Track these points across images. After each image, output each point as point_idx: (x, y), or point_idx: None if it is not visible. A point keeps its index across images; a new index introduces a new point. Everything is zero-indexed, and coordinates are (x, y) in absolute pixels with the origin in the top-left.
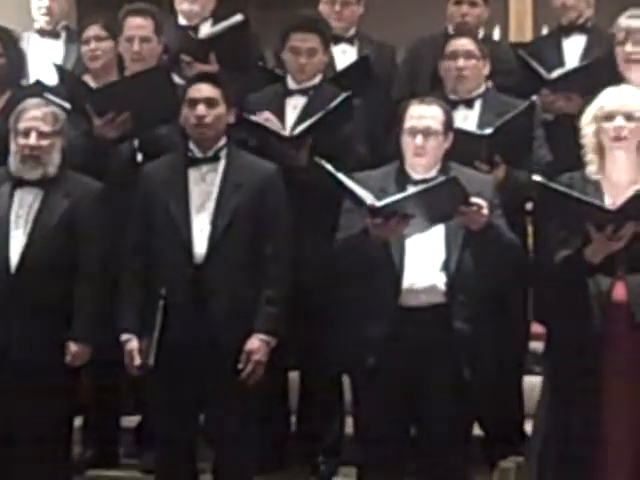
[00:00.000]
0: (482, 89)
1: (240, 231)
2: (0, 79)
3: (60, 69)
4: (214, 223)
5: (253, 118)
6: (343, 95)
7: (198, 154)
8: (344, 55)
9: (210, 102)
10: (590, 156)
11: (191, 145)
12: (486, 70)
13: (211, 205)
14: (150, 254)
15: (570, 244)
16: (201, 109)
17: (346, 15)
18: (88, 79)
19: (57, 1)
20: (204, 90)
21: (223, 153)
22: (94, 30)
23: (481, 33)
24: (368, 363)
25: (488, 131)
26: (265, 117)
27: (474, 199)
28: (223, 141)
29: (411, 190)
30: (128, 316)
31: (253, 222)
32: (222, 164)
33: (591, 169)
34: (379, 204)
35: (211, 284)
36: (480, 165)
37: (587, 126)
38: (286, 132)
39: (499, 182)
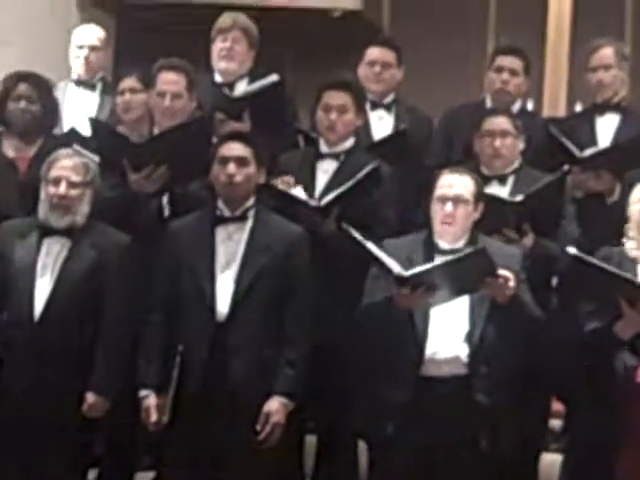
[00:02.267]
0: (516, 165)
1: (263, 292)
2: (33, 127)
3: (94, 122)
4: (238, 282)
5: (280, 187)
6: (372, 165)
7: (226, 212)
8: (380, 121)
9: (241, 161)
10: (633, 232)
11: (220, 203)
12: (521, 146)
13: (236, 264)
14: (173, 310)
15: (600, 317)
16: (231, 168)
17: (385, 78)
18: (121, 130)
19: (96, 53)
20: (235, 149)
21: (251, 213)
22: (129, 82)
23: (518, 104)
24: (387, 430)
25: (519, 198)
26: (287, 182)
27: (501, 271)
28: (252, 201)
29: (438, 260)
30: (148, 371)
31: (277, 283)
32: (249, 224)
33: (631, 245)
34: (406, 274)
35: (232, 343)
36: (508, 232)
37: (634, 204)
38: (314, 200)
39: (527, 251)
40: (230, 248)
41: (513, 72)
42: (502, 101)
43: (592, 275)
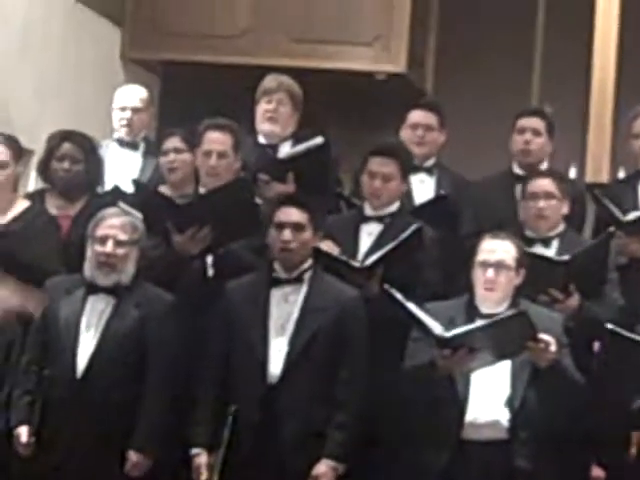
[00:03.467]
0: (560, 229)
1: (317, 354)
2: (76, 186)
3: (137, 184)
4: (292, 345)
5: (323, 249)
6: (414, 226)
7: (282, 274)
8: (422, 185)
9: (297, 227)
10: None
11: (276, 265)
12: (565, 210)
13: (290, 327)
14: (227, 369)
15: None
16: (287, 234)
17: (428, 141)
18: (164, 190)
19: (138, 114)
20: (292, 214)
21: (307, 275)
22: (174, 142)
23: (544, 165)
24: None
25: (565, 258)
26: (328, 246)
27: (542, 335)
28: (308, 263)
29: (480, 322)
30: (200, 430)
31: (331, 346)
32: (305, 286)
33: None
34: (447, 335)
35: (283, 405)
36: (554, 292)
37: None
38: (357, 262)
39: (570, 312)
40: (285, 310)
41: (536, 132)
42: (526, 162)
43: (631, 349)
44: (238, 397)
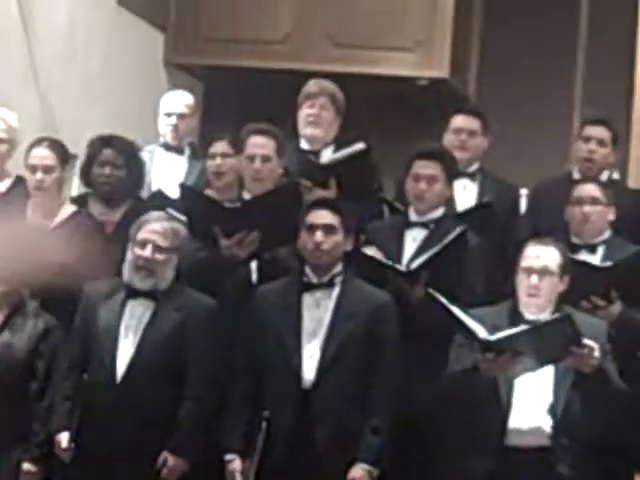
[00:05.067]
0: (606, 235)
1: (350, 359)
2: (117, 192)
3: (184, 188)
4: (324, 349)
5: (369, 253)
6: (458, 230)
7: (313, 279)
8: (464, 190)
9: (328, 229)
10: None
11: (307, 269)
12: (611, 216)
13: (323, 332)
14: (259, 376)
15: None
16: (319, 235)
17: (470, 146)
18: (210, 194)
19: (184, 120)
20: (323, 216)
21: (338, 280)
22: (221, 146)
23: (605, 175)
24: None
25: (608, 264)
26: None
27: (586, 341)
28: (339, 267)
29: (525, 326)
30: (233, 436)
31: (363, 351)
32: (336, 291)
33: None
34: (492, 338)
35: (317, 410)
36: (596, 299)
37: None
38: (402, 266)
39: (613, 319)
40: (317, 315)
41: (601, 142)
42: (588, 171)
43: None
44: (272, 403)
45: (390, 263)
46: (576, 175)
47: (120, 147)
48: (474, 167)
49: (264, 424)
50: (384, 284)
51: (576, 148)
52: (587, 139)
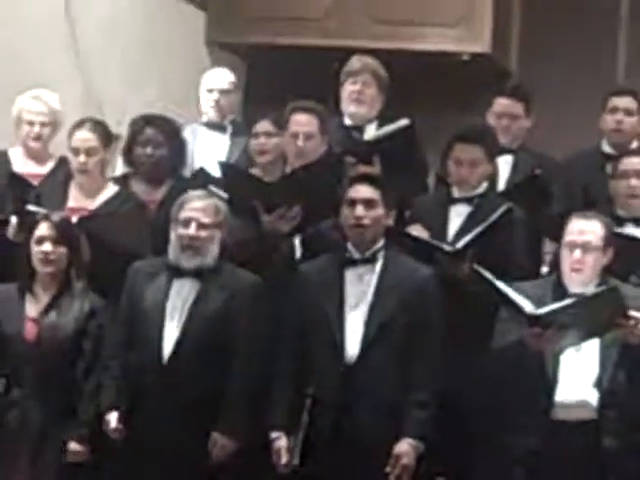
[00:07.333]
0: None
1: (393, 333)
2: (160, 171)
3: (225, 165)
4: (367, 324)
5: (414, 234)
6: (504, 207)
7: (356, 254)
8: (506, 166)
9: (369, 203)
10: None
11: (349, 245)
12: None
13: (365, 306)
14: (303, 353)
15: None
16: (360, 210)
17: (513, 130)
18: (254, 172)
19: (226, 96)
20: (364, 191)
21: (380, 254)
22: (264, 125)
23: (634, 144)
24: (516, 476)
25: None
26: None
27: (633, 312)
28: (381, 242)
29: (570, 300)
30: (278, 413)
31: (406, 325)
32: (379, 265)
33: None
34: (539, 312)
35: (361, 385)
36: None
37: None
38: (448, 245)
39: None
40: (360, 290)
41: (628, 112)
42: (617, 142)
43: None
44: (316, 379)
45: (436, 243)
46: (605, 148)
47: (161, 126)
48: (516, 144)
49: (309, 401)
50: (429, 262)
51: (603, 121)
52: (613, 110)
